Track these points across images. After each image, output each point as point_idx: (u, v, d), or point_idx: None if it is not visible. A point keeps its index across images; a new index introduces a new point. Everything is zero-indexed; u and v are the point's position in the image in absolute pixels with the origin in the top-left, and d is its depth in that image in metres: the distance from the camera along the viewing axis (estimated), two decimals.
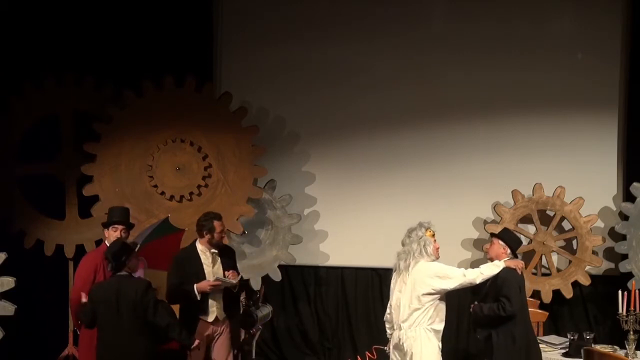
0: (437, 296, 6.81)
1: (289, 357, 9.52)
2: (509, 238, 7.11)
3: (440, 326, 6.88)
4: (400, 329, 6.87)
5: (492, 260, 7.03)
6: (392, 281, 7.03)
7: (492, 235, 7.18)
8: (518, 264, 6.98)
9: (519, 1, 9.07)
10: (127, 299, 6.52)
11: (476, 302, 7.03)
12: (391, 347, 7.02)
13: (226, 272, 7.29)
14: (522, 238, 8.99)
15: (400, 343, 6.86)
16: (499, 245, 7.05)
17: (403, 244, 6.98)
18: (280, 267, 9.21)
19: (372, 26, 9.28)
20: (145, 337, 6.58)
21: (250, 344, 8.35)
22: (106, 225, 7.45)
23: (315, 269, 9.54)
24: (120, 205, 8.72)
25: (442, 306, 6.88)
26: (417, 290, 6.79)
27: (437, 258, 6.94)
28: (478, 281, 6.84)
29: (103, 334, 6.63)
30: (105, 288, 6.67)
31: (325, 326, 9.54)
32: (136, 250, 7.00)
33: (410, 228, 6.98)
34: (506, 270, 6.88)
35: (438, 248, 6.95)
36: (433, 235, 6.94)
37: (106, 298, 6.56)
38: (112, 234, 7.35)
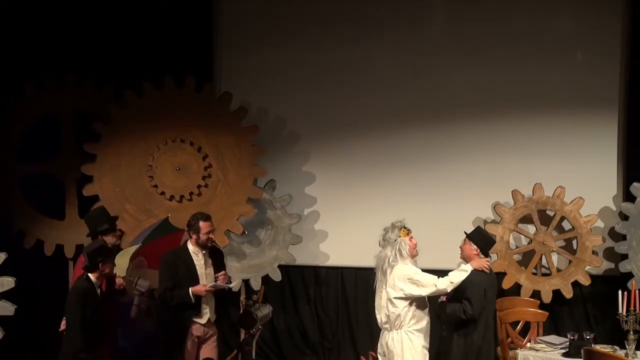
0: (409, 300, 6.78)
1: (289, 357, 9.52)
2: (479, 239, 7.10)
3: (422, 325, 6.85)
4: (384, 330, 6.90)
5: (465, 259, 7.06)
6: (375, 284, 7.01)
7: (466, 234, 7.18)
8: (482, 263, 6.97)
9: (519, 1, 9.07)
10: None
11: (444, 299, 7.06)
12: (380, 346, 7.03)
13: (217, 275, 7.23)
14: (522, 238, 9.00)
15: (384, 344, 6.88)
16: (470, 247, 7.07)
17: (380, 245, 6.94)
18: (280, 267, 9.21)
19: (372, 26, 9.28)
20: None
21: (250, 344, 8.34)
22: (104, 232, 7.43)
23: (315, 269, 9.54)
24: (121, 205, 8.74)
25: (421, 308, 6.86)
26: (390, 293, 6.79)
27: (415, 255, 6.88)
28: (449, 290, 6.84)
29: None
30: None
31: (325, 326, 9.54)
32: (112, 254, 6.96)
33: (385, 228, 6.93)
34: (473, 273, 6.88)
35: (416, 244, 6.89)
36: (408, 234, 6.87)
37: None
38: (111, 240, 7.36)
